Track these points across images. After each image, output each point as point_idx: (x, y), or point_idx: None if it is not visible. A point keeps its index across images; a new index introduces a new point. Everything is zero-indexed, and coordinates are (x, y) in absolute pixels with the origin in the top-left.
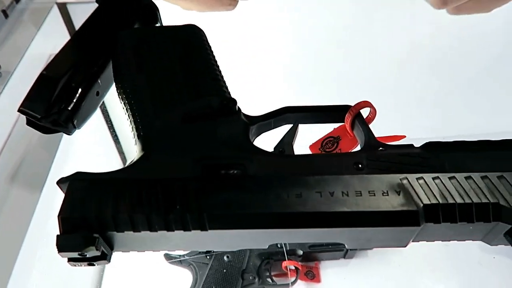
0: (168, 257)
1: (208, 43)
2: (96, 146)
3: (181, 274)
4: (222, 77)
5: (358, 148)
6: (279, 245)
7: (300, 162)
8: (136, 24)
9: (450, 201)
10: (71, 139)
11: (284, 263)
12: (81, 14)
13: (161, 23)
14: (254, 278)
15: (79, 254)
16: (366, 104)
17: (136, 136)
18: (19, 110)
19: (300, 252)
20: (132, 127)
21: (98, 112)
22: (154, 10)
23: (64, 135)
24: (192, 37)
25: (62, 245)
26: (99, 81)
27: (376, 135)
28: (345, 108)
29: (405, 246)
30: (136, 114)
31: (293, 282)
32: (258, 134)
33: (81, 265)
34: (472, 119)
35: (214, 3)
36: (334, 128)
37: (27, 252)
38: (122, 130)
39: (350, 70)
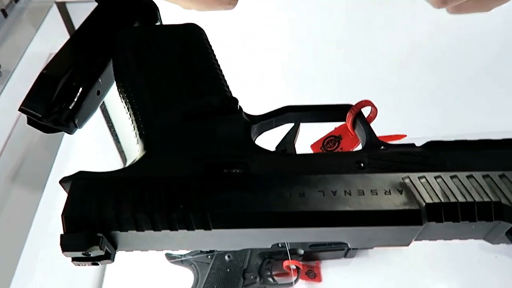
0: (169, 256)
1: (209, 42)
2: (96, 145)
3: (182, 273)
4: (223, 76)
5: (359, 147)
6: (280, 245)
7: (302, 161)
8: (136, 23)
9: (452, 200)
10: (72, 138)
11: (285, 263)
12: (80, 13)
13: (161, 22)
14: (256, 277)
15: (83, 254)
16: (367, 103)
17: (137, 135)
18: (20, 109)
19: (301, 252)
20: (134, 126)
21: (97, 111)
22: (154, 9)
23: (65, 134)
24: (192, 36)
25: (66, 244)
26: (100, 80)
27: (376, 134)
28: (346, 107)
29: (407, 245)
30: (138, 113)
31: (294, 282)
32: (259, 133)
33: (85, 265)
34: (472, 118)
35: (213, 2)
36: (335, 127)
37: (30, 252)
38: (121, 129)
39: (349, 69)
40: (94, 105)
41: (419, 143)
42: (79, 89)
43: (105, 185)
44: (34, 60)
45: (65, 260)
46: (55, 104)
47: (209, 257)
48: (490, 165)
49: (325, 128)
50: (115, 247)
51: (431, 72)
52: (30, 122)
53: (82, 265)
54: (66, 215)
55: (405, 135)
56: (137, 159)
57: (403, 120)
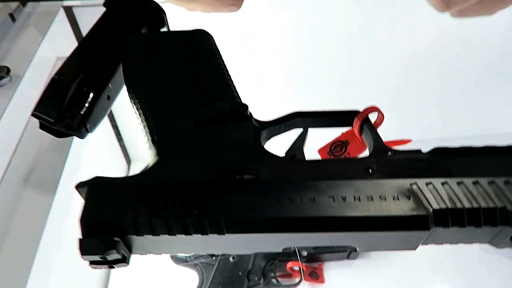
0: (174, 258)
1: (217, 48)
2: (102, 148)
3: (187, 275)
4: (232, 82)
5: (366, 152)
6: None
7: (312, 167)
8: (143, 27)
9: (459, 205)
10: (82, 141)
11: (289, 264)
12: (87, 17)
13: (168, 26)
14: (260, 278)
15: (100, 257)
16: (374, 109)
17: (150, 141)
18: (32, 115)
19: (305, 253)
20: (146, 132)
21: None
22: (161, 13)
23: (75, 138)
24: (201, 42)
25: (85, 248)
26: (110, 85)
27: (380, 134)
28: (353, 113)
29: (414, 249)
30: (149, 119)
31: (298, 283)
32: (268, 138)
33: (101, 268)
34: (473, 120)
35: (217, 4)
36: (342, 133)
37: (43, 255)
38: (126, 133)
39: (349, 69)
40: (104, 110)
41: (421, 144)
42: (90, 94)
43: (121, 190)
44: (42, 64)
45: (78, 263)
46: (67, 109)
47: (213, 258)
48: (495, 171)
49: (331, 133)
50: (130, 250)
51: (432, 74)
52: (42, 126)
53: (98, 268)
54: (84, 220)
55: (411, 140)
56: (151, 165)
57: (404, 121)
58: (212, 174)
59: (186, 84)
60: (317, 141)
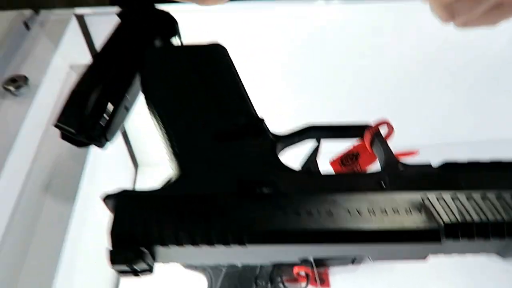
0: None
1: (232, 61)
2: (111, 153)
3: (196, 279)
4: (248, 96)
5: (376, 163)
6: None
7: (327, 180)
8: (157, 38)
9: (468, 219)
10: (94, 148)
11: (295, 269)
12: (98, 26)
13: (180, 36)
14: (267, 283)
15: (128, 267)
16: (384, 122)
17: (171, 153)
18: (55, 125)
19: (311, 259)
20: (167, 144)
21: None
22: (174, 23)
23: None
24: (217, 56)
25: (114, 259)
26: (127, 96)
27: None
28: (364, 127)
29: (425, 260)
30: (170, 132)
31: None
32: (283, 150)
33: (127, 276)
34: (478, 125)
35: None
36: (353, 145)
37: (66, 263)
38: (134, 138)
39: (355, 77)
40: (122, 120)
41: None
42: (109, 105)
43: (148, 203)
44: (56, 72)
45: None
46: (88, 120)
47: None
48: (502, 185)
49: (340, 144)
50: (154, 260)
51: (437, 80)
52: (63, 136)
53: (125, 276)
54: (114, 232)
55: (417, 151)
56: (174, 178)
57: (409, 126)
58: (233, 187)
59: (205, 99)
60: (328, 151)
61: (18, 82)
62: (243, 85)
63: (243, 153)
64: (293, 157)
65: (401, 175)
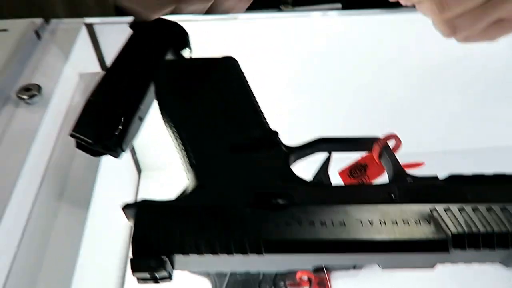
0: None
1: (244, 75)
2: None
3: (200, 283)
4: (260, 108)
5: (384, 175)
6: None
7: (339, 192)
8: (169, 49)
9: (475, 230)
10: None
11: (299, 274)
12: (107, 35)
13: (190, 48)
14: (271, 287)
15: (149, 275)
16: (392, 136)
17: (188, 164)
18: (70, 135)
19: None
20: (183, 155)
21: None
22: (185, 35)
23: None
24: (230, 69)
25: (136, 267)
26: (141, 107)
27: None
28: (373, 140)
29: (433, 269)
30: (186, 143)
31: None
32: (295, 162)
33: (147, 283)
34: (481, 133)
35: None
36: (362, 157)
37: (79, 273)
38: (138, 142)
39: (358, 88)
40: (136, 130)
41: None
42: (125, 115)
43: (168, 213)
44: (67, 81)
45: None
46: (103, 130)
47: None
48: (506, 198)
49: (349, 155)
50: (173, 267)
51: (441, 90)
52: (79, 146)
53: (145, 283)
54: (136, 241)
55: (423, 163)
56: (191, 188)
57: (412, 134)
58: (250, 198)
59: (220, 112)
60: (337, 162)
61: (31, 91)
62: (255, 98)
63: (258, 165)
64: (302, 168)
65: (410, 188)
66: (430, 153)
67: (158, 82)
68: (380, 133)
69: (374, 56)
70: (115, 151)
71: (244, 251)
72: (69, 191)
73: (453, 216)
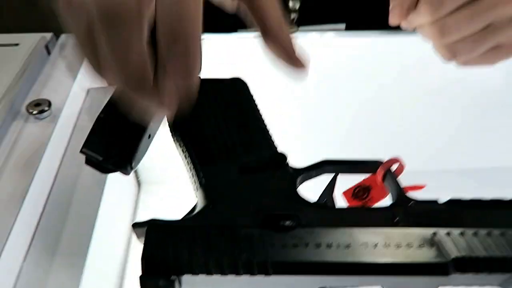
0: None
1: (253, 96)
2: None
3: None
4: (268, 130)
5: (388, 197)
6: None
7: (344, 214)
8: None
9: (474, 254)
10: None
11: None
12: None
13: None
14: None
15: None
16: (396, 160)
17: (197, 183)
18: (81, 152)
19: None
20: (192, 174)
21: None
22: None
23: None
24: (239, 90)
25: (146, 285)
26: (151, 124)
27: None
28: (377, 163)
29: None
30: (196, 163)
31: None
32: (301, 183)
33: None
34: (478, 153)
35: None
36: (365, 178)
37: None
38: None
39: (359, 107)
40: (145, 148)
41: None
42: (135, 133)
43: (177, 232)
44: (75, 96)
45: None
46: (114, 147)
47: None
48: (504, 222)
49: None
50: (181, 286)
51: (441, 110)
52: (88, 162)
53: None
54: (146, 259)
55: (424, 186)
56: (200, 208)
57: (411, 153)
58: (258, 219)
59: (229, 133)
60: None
61: (41, 106)
62: (263, 119)
63: (266, 186)
64: (308, 187)
65: (413, 212)
66: (430, 171)
67: None
68: (381, 152)
69: (376, 76)
70: (125, 169)
71: (252, 272)
72: (76, 205)
73: (454, 240)
